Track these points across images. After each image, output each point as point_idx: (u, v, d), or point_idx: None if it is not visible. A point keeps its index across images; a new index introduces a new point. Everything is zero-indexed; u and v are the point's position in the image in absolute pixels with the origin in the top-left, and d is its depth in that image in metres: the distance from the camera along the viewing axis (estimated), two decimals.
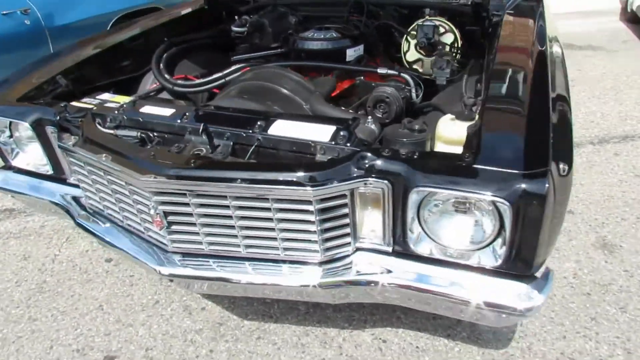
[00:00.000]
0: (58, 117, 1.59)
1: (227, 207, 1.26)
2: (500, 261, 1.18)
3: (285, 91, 1.73)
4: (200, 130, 1.40)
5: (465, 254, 1.24)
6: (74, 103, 1.76)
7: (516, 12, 2.16)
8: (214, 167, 1.26)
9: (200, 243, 1.36)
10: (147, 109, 1.59)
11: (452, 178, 1.13)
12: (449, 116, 1.46)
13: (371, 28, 2.38)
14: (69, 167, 1.72)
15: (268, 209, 1.24)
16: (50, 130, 1.63)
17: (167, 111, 1.56)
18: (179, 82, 2.10)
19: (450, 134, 1.40)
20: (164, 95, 2.18)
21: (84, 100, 1.82)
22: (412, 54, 2.30)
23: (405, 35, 2.31)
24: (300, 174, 1.18)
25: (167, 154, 1.35)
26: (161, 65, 2.16)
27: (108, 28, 3.91)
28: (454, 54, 2.19)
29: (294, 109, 1.69)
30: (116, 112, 1.60)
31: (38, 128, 1.64)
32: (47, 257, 2.31)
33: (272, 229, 1.28)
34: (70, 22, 3.63)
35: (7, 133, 1.76)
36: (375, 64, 2.33)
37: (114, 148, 1.40)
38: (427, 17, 2.34)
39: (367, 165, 1.21)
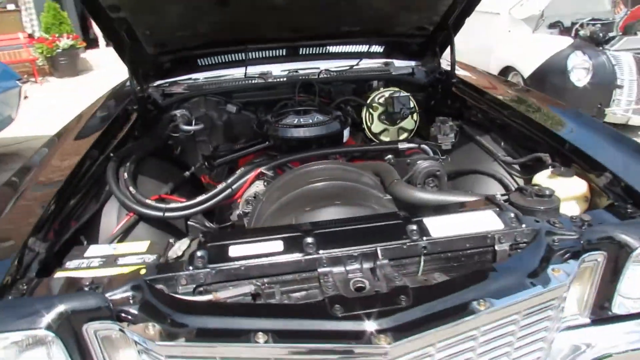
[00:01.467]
0: (111, 304, 0.99)
1: (472, 338, 0.99)
2: None
3: (363, 187, 1.50)
4: (381, 256, 1.09)
5: None
6: (70, 274, 1.15)
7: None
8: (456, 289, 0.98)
9: None
10: (237, 251, 1.15)
11: None
12: (546, 173, 1.52)
13: (334, 105, 2.31)
14: None
15: (512, 323, 1.03)
16: (95, 327, 1.00)
17: (271, 246, 1.16)
18: (172, 205, 1.60)
19: (563, 190, 1.45)
20: (141, 228, 1.62)
21: (72, 265, 1.21)
22: (376, 126, 2.32)
23: (366, 108, 2.33)
24: (555, 270, 1.03)
25: (368, 300, 0.99)
26: (130, 188, 1.61)
27: None
28: (415, 120, 2.31)
29: (379, 204, 1.48)
30: (190, 267, 1.10)
31: (63, 329, 0.98)
32: None
33: (510, 344, 1.07)
34: None
35: None
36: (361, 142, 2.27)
37: (273, 322, 0.94)
38: (380, 88, 2.42)
39: (557, 242, 1.15)
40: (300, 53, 2.39)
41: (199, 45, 2.10)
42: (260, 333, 0.92)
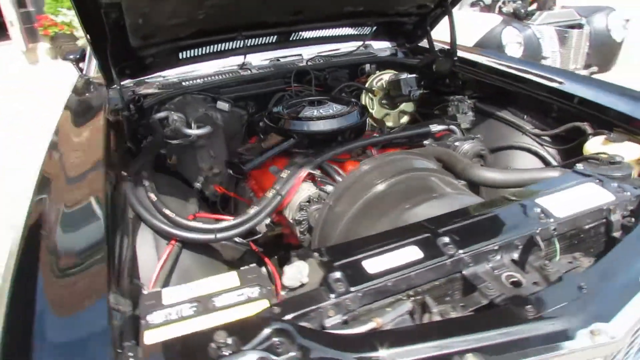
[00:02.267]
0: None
1: None
2: None
3: (440, 175, 1.40)
4: (542, 244, 1.00)
5: None
6: (166, 331, 0.92)
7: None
8: None
9: None
10: (374, 266, 0.99)
11: None
12: (598, 141, 1.55)
13: (335, 93, 2.17)
14: None
15: None
16: None
17: (406, 253, 1.02)
18: (223, 224, 1.37)
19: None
20: (184, 258, 1.37)
21: (158, 319, 0.97)
22: (378, 111, 2.24)
23: (366, 94, 2.23)
24: None
25: (548, 295, 0.90)
26: (167, 211, 1.35)
27: None
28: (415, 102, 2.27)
29: (459, 191, 1.39)
30: (332, 295, 0.92)
31: None
32: None
33: None
34: None
35: None
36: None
37: None
38: (376, 72, 2.32)
39: None
40: (291, 39, 2.19)
41: (190, 34, 1.81)
42: (469, 355, 0.79)
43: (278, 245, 1.83)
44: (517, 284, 1.00)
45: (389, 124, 2.26)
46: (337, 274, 0.95)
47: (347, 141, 1.75)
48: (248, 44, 2.10)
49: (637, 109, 1.60)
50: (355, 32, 2.34)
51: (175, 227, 1.31)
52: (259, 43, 2.11)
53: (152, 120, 1.87)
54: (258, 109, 2.20)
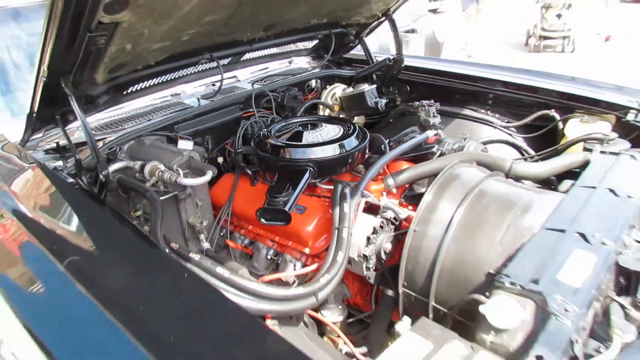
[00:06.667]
0: None
1: None
2: None
3: (502, 177, 1.41)
4: None
5: None
6: None
7: None
8: None
9: None
10: (568, 277, 0.95)
11: None
12: (575, 122, 1.78)
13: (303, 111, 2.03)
14: None
15: None
16: None
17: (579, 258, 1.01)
18: (322, 282, 1.16)
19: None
20: None
21: None
22: None
23: (324, 109, 2.17)
24: None
25: None
26: (248, 283, 1.08)
27: None
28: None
29: None
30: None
31: None
32: None
33: None
34: None
35: None
36: None
37: None
38: (327, 87, 2.26)
39: None
40: (243, 59, 1.95)
41: (161, 60, 1.44)
42: None
43: None
44: None
45: None
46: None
47: (358, 163, 1.63)
48: (201, 68, 1.79)
49: (592, 93, 1.86)
50: (297, 48, 2.21)
51: (268, 301, 1.03)
52: (212, 66, 1.82)
53: (118, 177, 1.43)
54: (214, 143, 1.91)
